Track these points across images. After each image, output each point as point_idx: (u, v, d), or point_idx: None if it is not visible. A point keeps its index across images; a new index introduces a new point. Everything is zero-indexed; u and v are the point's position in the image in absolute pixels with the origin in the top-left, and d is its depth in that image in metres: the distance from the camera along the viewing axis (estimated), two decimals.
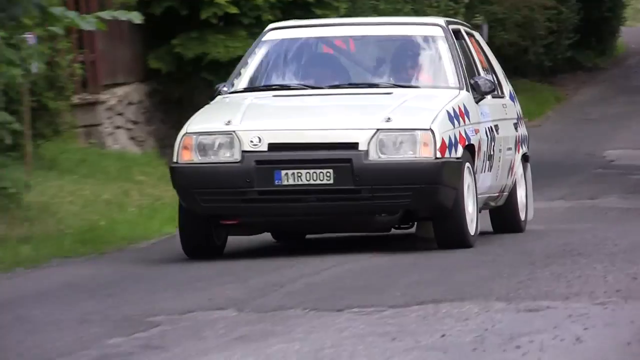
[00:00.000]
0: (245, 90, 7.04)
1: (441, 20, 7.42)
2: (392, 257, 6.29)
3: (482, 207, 6.97)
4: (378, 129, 5.98)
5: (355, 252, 6.41)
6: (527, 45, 24.92)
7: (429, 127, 6.00)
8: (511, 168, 7.36)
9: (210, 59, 13.91)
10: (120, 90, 14.70)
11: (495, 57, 8.15)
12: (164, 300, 4.84)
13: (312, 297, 4.61)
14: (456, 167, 6.11)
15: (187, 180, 6.13)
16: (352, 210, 6.23)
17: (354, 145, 5.96)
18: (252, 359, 3.12)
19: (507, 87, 7.79)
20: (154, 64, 14.66)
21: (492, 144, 6.87)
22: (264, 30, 7.54)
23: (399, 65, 7.31)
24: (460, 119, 6.35)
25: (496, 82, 7.43)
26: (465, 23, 8.27)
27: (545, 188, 10.13)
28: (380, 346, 3.15)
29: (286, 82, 7.11)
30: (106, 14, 7.35)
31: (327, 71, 7.21)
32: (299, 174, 5.93)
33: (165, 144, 13.56)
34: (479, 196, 6.61)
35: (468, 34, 7.63)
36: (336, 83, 6.99)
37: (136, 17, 6.86)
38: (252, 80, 7.13)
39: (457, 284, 4.85)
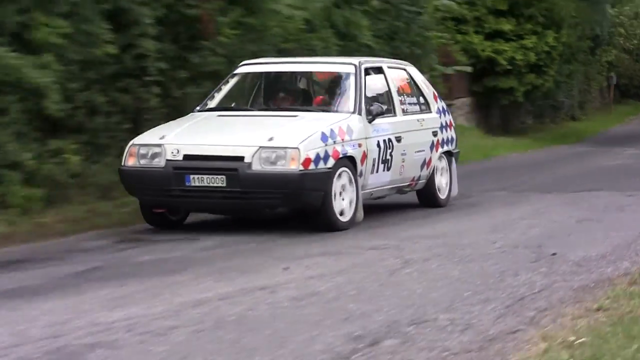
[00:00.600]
0: (211, 109, 9.20)
1: (356, 61, 9.25)
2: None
3: (397, 191, 9.45)
4: (260, 147, 7.84)
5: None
6: None
7: (296, 146, 7.80)
8: (426, 164, 9.46)
9: None
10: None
11: None
12: None
13: None
14: (322, 176, 7.89)
15: (130, 180, 8.32)
16: (240, 207, 8.42)
17: (240, 159, 7.86)
18: None
19: (435, 105, 9.89)
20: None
21: (389, 150, 8.79)
22: (238, 65, 9.72)
23: (317, 94, 9.67)
24: (338, 137, 8.17)
25: (421, 103, 9.74)
26: (396, 61, 10.62)
27: None
28: None
29: (234, 105, 9.45)
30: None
31: (262, 97, 9.51)
32: (202, 178, 7.90)
33: None
34: (381, 187, 8.93)
35: (398, 68, 9.85)
36: (264, 107, 9.36)
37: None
38: (220, 102, 9.28)
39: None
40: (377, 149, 8.63)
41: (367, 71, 9.17)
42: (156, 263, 7.45)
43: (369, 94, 9.05)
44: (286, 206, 8.26)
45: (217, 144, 8.06)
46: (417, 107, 9.70)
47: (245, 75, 9.64)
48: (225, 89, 9.42)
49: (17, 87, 8.18)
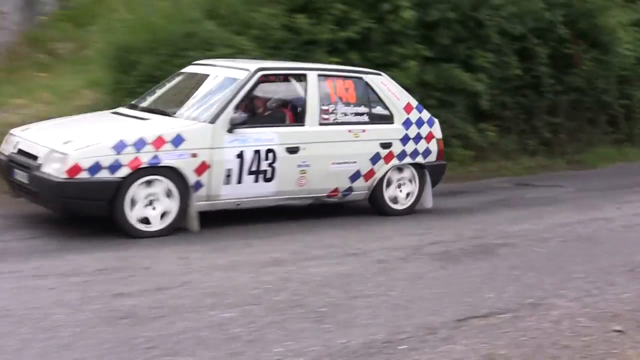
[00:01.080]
0: (131, 105, 8.46)
1: (254, 67, 8.03)
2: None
3: (314, 200, 8.39)
4: (52, 149, 7.02)
5: None
6: None
7: (69, 153, 6.87)
8: (363, 176, 8.46)
9: None
10: None
11: None
12: None
13: None
14: (99, 185, 6.91)
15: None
16: (38, 202, 7.47)
17: (35, 158, 7.08)
18: None
19: (404, 116, 8.72)
20: None
21: (266, 161, 7.72)
22: (189, 64, 8.91)
23: (198, 98, 8.11)
24: (150, 145, 7.12)
25: (374, 114, 8.66)
26: (351, 69, 9.05)
27: None
28: None
29: (138, 102, 8.48)
30: None
31: (160, 98, 8.52)
32: (18, 173, 7.25)
33: None
34: (258, 197, 7.87)
35: (347, 77, 8.60)
36: (152, 108, 8.19)
37: None
38: (151, 100, 8.47)
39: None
40: (238, 159, 7.56)
41: (269, 79, 8.31)
42: (537, 199, 10.41)
43: (258, 104, 8.36)
44: (58, 211, 7.41)
45: (37, 142, 7.34)
46: (363, 117, 8.60)
47: (184, 74, 8.76)
48: (166, 87, 8.70)
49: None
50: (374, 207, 8.83)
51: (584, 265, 6.79)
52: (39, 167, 6.98)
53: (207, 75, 8.32)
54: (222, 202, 7.67)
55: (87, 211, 7.15)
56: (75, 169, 6.82)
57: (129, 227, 7.07)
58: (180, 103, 8.10)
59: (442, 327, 4.99)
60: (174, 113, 7.86)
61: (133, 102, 8.55)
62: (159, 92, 8.62)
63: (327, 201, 8.52)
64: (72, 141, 7.09)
